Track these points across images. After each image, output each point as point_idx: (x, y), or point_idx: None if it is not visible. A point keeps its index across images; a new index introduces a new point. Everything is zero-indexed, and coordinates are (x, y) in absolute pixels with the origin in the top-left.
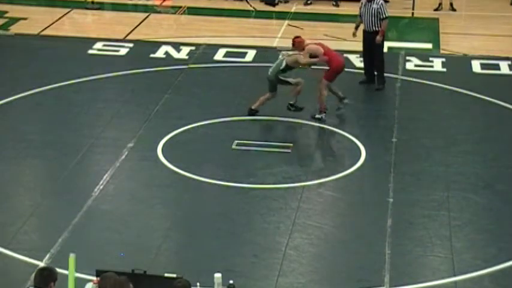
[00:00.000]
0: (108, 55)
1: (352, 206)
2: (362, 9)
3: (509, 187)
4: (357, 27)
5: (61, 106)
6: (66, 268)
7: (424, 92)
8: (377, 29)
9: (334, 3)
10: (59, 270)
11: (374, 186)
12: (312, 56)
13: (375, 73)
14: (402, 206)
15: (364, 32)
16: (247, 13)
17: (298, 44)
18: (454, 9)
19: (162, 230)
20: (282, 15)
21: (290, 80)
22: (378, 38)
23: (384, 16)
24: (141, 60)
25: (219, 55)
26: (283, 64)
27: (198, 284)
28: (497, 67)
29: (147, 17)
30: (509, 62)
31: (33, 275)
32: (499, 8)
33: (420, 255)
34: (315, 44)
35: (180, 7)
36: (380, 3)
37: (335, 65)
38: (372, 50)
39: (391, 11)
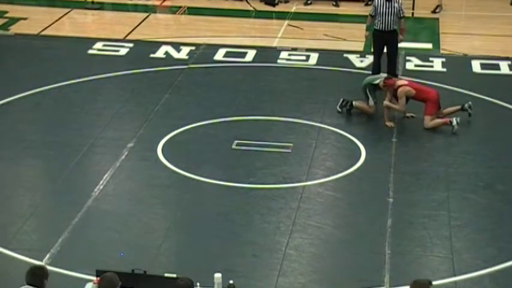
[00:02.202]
0: (108, 55)
1: (352, 206)
2: (380, 9)
3: (509, 187)
4: (369, 28)
5: (61, 106)
6: (66, 268)
7: None
8: (395, 27)
9: (334, 3)
10: (59, 270)
11: (374, 186)
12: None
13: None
14: (402, 206)
15: (379, 31)
16: (247, 13)
17: (389, 86)
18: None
19: (162, 230)
20: (282, 15)
21: (370, 100)
22: (402, 37)
23: (403, 14)
24: (141, 60)
25: (219, 55)
26: (377, 81)
27: (198, 284)
28: (497, 67)
29: (147, 17)
30: (509, 62)
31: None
32: (499, 8)
33: (420, 255)
34: (407, 85)
35: (180, 7)
36: (400, 1)
37: (431, 98)
38: (387, 49)
39: None
